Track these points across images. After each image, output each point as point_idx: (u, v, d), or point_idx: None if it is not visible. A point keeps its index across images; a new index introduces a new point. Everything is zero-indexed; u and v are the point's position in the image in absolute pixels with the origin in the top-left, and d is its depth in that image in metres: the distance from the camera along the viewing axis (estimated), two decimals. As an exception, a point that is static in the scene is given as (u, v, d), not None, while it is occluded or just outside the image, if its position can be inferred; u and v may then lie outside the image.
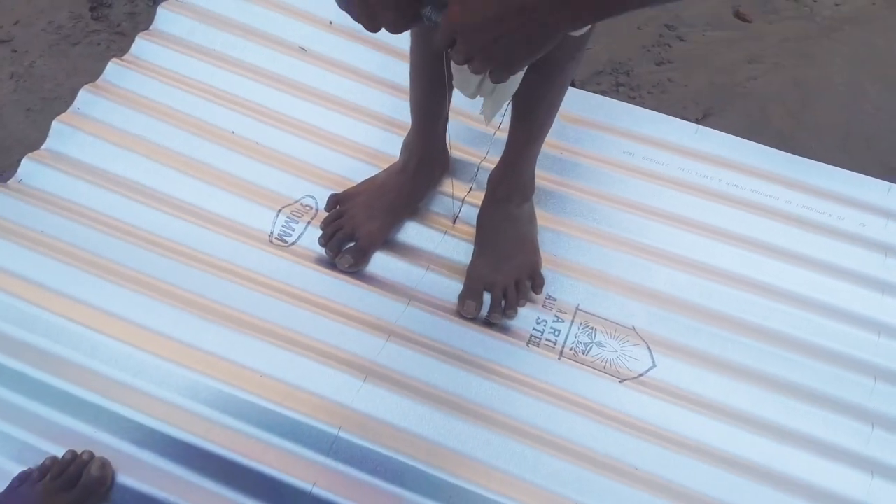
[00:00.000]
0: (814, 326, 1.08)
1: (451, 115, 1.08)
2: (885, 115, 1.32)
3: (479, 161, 1.20)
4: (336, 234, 1.09)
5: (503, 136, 1.09)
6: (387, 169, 1.14)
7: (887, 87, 1.36)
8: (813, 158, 1.23)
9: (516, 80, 0.83)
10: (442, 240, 1.14)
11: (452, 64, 0.81)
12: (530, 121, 0.99)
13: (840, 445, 0.99)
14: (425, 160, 1.10)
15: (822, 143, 1.27)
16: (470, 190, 1.18)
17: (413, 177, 1.10)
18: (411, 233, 1.14)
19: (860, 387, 1.04)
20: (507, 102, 0.89)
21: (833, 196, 1.20)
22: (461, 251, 1.13)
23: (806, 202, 1.18)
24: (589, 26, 0.73)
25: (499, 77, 0.61)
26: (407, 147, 1.12)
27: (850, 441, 1.00)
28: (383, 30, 0.66)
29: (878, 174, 1.22)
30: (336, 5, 0.66)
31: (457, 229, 1.15)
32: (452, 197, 1.15)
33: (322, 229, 1.11)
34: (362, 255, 1.09)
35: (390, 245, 1.12)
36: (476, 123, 1.22)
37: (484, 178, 1.12)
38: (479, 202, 1.12)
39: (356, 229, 1.09)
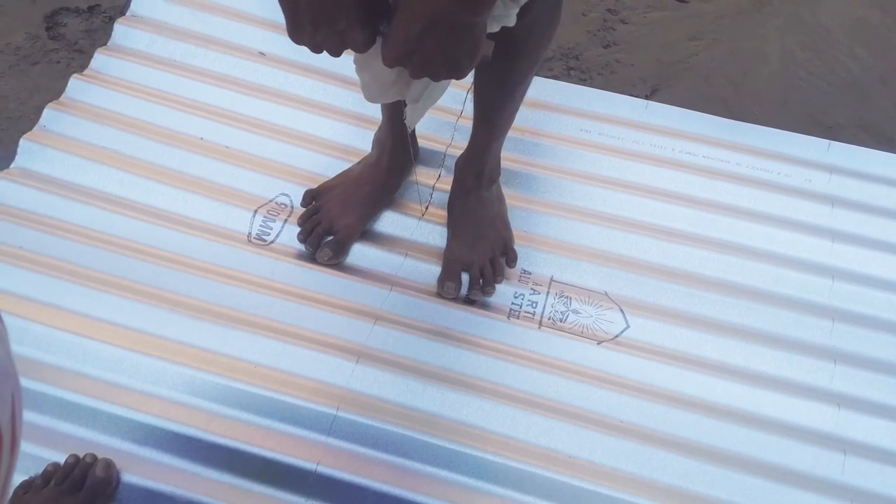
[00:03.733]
0: (772, 276, 1.14)
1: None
2: (816, 79, 1.41)
3: (445, 148, 1.24)
4: (314, 230, 1.12)
5: (465, 122, 1.14)
6: (360, 162, 1.17)
7: (815, 54, 1.45)
8: (756, 123, 1.31)
9: (442, 87, 0.87)
10: (417, 226, 1.17)
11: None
12: (493, 118, 1.02)
13: (806, 383, 1.06)
14: (397, 152, 1.14)
15: (763, 109, 1.35)
16: (439, 176, 1.22)
17: (387, 169, 1.14)
18: (387, 222, 1.18)
19: (820, 328, 1.11)
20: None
21: (778, 156, 1.27)
22: (436, 235, 1.17)
23: (754, 163, 1.26)
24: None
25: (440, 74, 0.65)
26: (379, 141, 1.15)
27: (815, 378, 1.06)
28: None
29: (816, 133, 1.30)
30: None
31: (430, 215, 1.19)
32: (416, 182, 1.18)
33: (300, 225, 1.13)
34: (341, 248, 1.12)
35: (368, 236, 1.16)
36: (439, 112, 1.26)
37: (451, 163, 1.16)
38: (449, 187, 1.16)
39: (334, 223, 1.12)
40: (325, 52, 0.66)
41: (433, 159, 1.24)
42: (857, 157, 1.28)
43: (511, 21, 0.76)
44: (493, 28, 0.75)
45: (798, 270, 1.15)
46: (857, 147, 1.29)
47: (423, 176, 1.21)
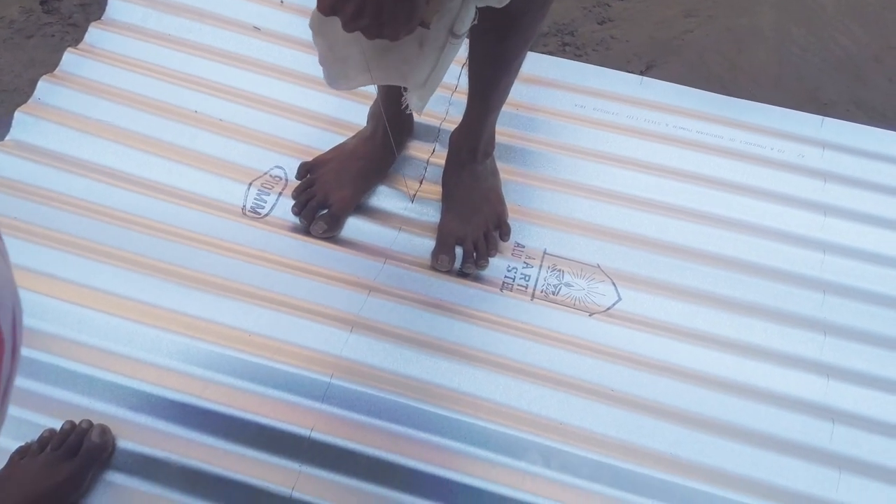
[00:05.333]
0: (764, 250, 1.15)
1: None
2: (811, 56, 1.41)
3: (440, 122, 1.24)
4: (309, 203, 1.12)
5: (460, 97, 1.14)
6: (355, 136, 1.17)
7: (811, 31, 1.45)
8: (750, 100, 1.31)
9: (448, 64, 0.87)
10: (411, 201, 1.18)
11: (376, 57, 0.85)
12: (487, 93, 1.03)
13: (796, 354, 1.07)
14: (392, 127, 1.14)
15: (757, 85, 1.35)
16: (433, 150, 1.22)
17: (382, 144, 1.14)
18: (381, 196, 1.18)
19: (811, 301, 1.12)
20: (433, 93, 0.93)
21: (772, 132, 1.27)
22: (431, 210, 1.17)
23: (748, 139, 1.26)
24: None
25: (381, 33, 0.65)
26: (374, 115, 1.15)
27: (805, 350, 1.07)
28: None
29: (810, 110, 1.31)
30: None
31: (424, 190, 1.19)
32: (405, 183, 1.18)
33: (294, 198, 1.14)
34: (336, 221, 1.12)
35: (362, 209, 1.16)
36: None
37: (446, 137, 1.16)
38: (443, 161, 1.17)
39: (328, 196, 1.12)
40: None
41: (428, 133, 1.24)
42: (849, 132, 1.28)
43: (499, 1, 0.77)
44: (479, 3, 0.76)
45: (790, 244, 1.16)
46: (850, 123, 1.29)
47: (418, 150, 1.22)
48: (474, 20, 0.82)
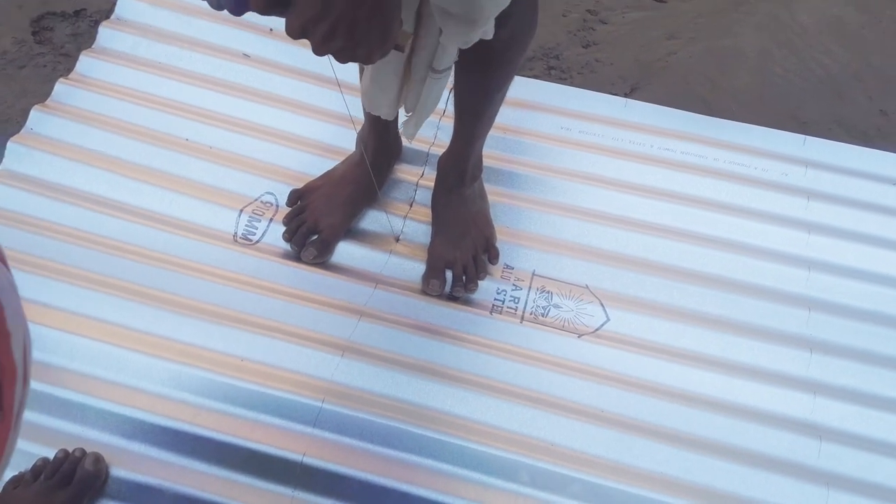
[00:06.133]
0: (749, 268, 1.17)
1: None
2: (792, 76, 1.44)
3: (429, 147, 1.26)
4: (299, 229, 1.13)
5: (448, 122, 1.16)
6: (344, 161, 1.19)
7: (792, 52, 1.48)
8: (734, 120, 1.33)
9: (436, 96, 0.89)
10: (402, 225, 1.19)
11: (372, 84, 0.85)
12: (473, 122, 1.04)
13: (783, 372, 1.08)
14: (380, 151, 1.16)
15: (740, 105, 1.37)
16: (423, 174, 1.24)
17: (369, 169, 1.15)
18: (371, 220, 1.19)
19: (796, 318, 1.13)
20: (425, 119, 0.94)
21: (755, 151, 1.29)
22: (421, 233, 1.19)
23: (731, 158, 1.28)
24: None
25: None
26: (362, 140, 1.16)
27: (791, 367, 1.09)
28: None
29: (793, 129, 1.33)
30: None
31: (414, 213, 1.20)
32: (388, 212, 1.20)
33: (285, 225, 1.15)
34: (326, 247, 1.14)
35: (352, 234, 1.18)
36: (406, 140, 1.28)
37: (435, 161, 1.18)
38: (432, 184, 1.18)
39: (318, 222, 1.13)
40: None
41: (417, 158, 1.25)
42: (831, 151, 1.30)
43: (489, 34, 0.78)
44: (472, 39, 0.77)
45: (775, 262, 1.18)
46: (832, 142, 1.31)
47: (407, 174, 1.23)
48: (456, 57, 0.83)
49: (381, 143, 1.15)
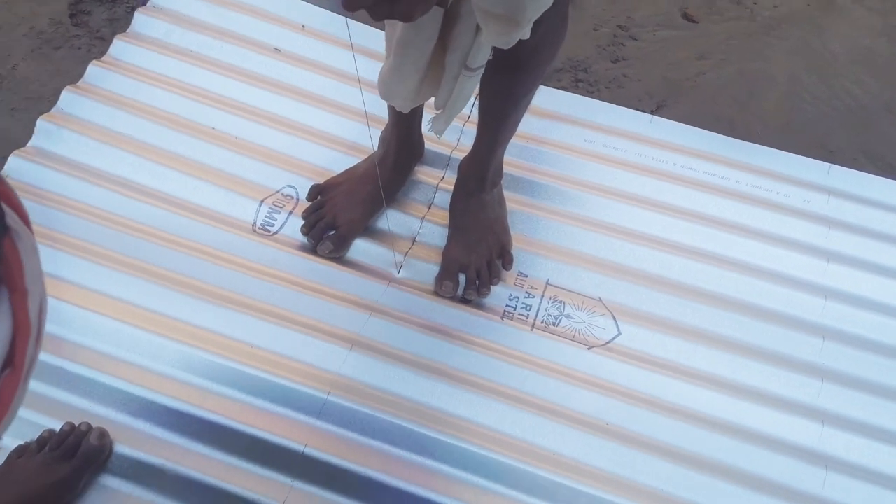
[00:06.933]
0: (765, 292, 1.16)
1: (424, 109, 1.15)
2: (821, 103, 1.43)
3: (451, 151, 1.26)
4: (318, 223, 1.14)
5: (472, 127, 1.16)
6: (366, 160, 1.20)
7: (822, 79, 1.47)
8: (760, 144, 1.33)
9: (468, 93, 0.89)
10: (419, 226, 1.20)
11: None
12: (496, 127, 1.05)
13: (792, 398, 1.07)
14: (402, 152, 1.16)
15: (767, 129, 1.37)
16: (443, 177, 1.24)
17: (391, 168, 1.16)
18: (390, 220, 1.20)
19: (810, 346, 1.12)
20: (455, 116, 0.94)
21: (779, 176, 1.29)
22: (437, 235, 1.19)
23: (754, 182, 1.27)
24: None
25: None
26: (384, 140, 1.17)
27: (801, 394, 1.08)
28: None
29: (818, 156, 1.32)
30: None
31: (432, 215, 1.21)
32: (393, 248, 1.20)
33: (304, 218, 1.16)
34: (342, 242, 1.14)
35: (369, 232, 1.18)
36: (430, 143, 1.27)
37: (456, 164, 1.18)
38: (452, 187, 1.18)
39: (337, 218, 1.14)
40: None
41: (438, 160, 1.26)
42: (856, 181, 1.29)
43: (527, 34, 0.79)
44: (513, 40, 0.78)
45: (792, 288, 1.17)
46: (857, 171, 1.30)
47: (428, 176, 1.24)
48: (490, 55, 0.84)
49: (402, 143, 1.15)
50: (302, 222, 1.16)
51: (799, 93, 1.43)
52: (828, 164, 1.31)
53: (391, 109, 1.11)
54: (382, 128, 1.19)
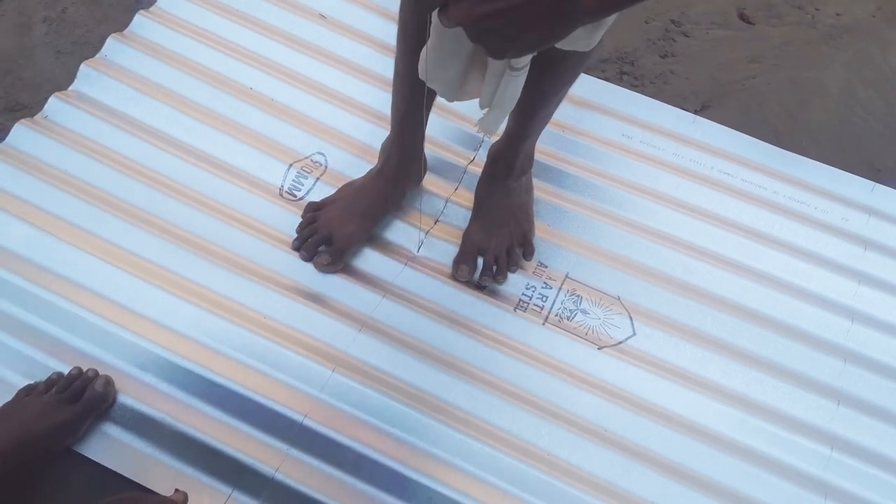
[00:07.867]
0: (790, 308, 1.13)
1: (443, 116, 1.15)
2: (874, 120, 1.37)
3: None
4: (310, 238, 1.10)
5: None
6: (364, 175, 1.15)
7: (878, 94, 1.41)
8: (805, 155, 1.28)
9: (514, 92, 0.87)
10: (444, 205, 1.18)
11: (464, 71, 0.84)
12: (527, 118, 1.02)
13: (804, 420, 1.05)
14: (403, 164, 1.10)
15: (814, 142, 1.32)
16: (473, 159, 1.23)
17: (391, 179, 1.12)
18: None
19: (830, 367, 1.09)
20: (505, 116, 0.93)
21: (819, 190, 1.25)
22: (461, 217, 1.18)
23: (792, 194, 1.24)
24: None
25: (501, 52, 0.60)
26: (384, 150, 1.13)
27: (814, 416, 1.05)
28: None
29: (864, 174, 1.27)
30: None
31: (457, 196, 1.19)
32: (420, 218, 1.17)
33: (297, 234, 1.12)
34: (339, 255, 1.10)
35: (393, 215, 1.16)
36: (466, 124, 1.26)
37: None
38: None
39: (333, 232, 1.10)
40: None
41: (471, 141, 1.24)
42: (900, 203, 1.25)
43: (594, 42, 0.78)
44: (595, 40, 0.77)
45: (818, 306, 1.14)
46: (903, 194, 1.26)
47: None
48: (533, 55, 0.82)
49: (404, 157, 1.10)
50: (330, 190, 1.15)
51: (852, 107, 1.38)
52: (872, 183, 1.26)
53: (395, 121, 1.06)
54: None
